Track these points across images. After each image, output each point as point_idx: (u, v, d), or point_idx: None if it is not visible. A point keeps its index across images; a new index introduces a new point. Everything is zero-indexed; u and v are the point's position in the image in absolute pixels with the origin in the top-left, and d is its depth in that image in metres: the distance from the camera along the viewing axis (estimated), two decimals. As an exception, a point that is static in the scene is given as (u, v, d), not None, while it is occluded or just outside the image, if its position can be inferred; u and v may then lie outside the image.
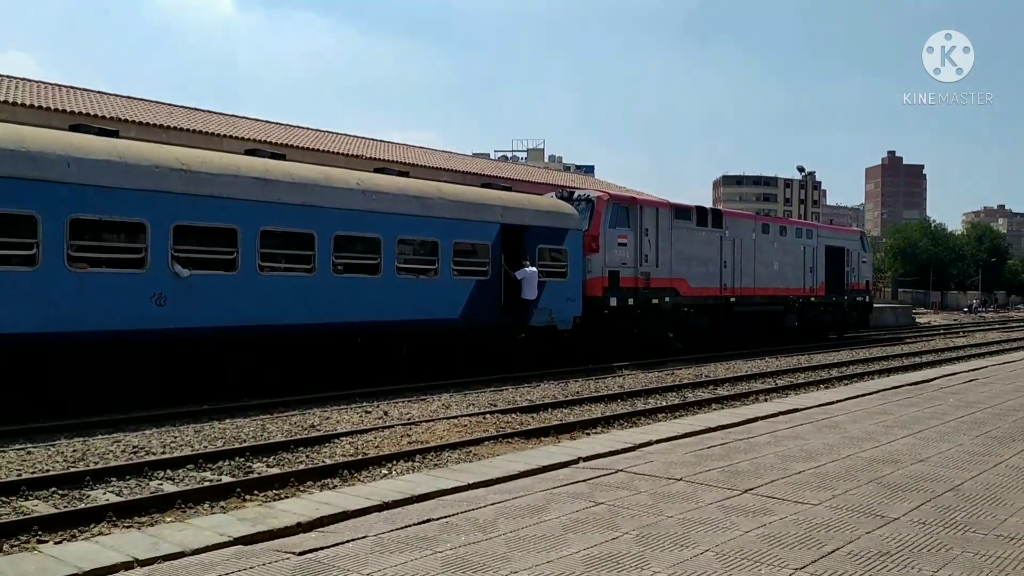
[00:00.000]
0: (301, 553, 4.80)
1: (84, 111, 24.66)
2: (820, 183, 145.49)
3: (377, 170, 18.21)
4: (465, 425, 11.60)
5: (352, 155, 31.68)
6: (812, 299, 29.94)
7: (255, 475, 8.74)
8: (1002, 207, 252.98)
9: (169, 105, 31.01)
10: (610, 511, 5.70)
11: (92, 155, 12.07)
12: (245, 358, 13.76)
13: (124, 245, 12.52)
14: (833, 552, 4.79)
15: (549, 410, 13.37)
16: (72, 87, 28.89)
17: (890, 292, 64.54)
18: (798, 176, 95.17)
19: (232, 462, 9.33)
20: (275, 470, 8.99)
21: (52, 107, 24.33)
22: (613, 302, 20.83)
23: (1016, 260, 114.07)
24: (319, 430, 11.16)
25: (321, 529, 5.37)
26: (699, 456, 7.61)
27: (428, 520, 5.45)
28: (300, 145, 30.00)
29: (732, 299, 25.55)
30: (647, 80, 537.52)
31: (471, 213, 17.61)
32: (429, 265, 16.73)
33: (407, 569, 4.51)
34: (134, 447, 9.84)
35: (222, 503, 7.78)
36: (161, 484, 8.40)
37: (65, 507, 7.46)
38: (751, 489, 6.32)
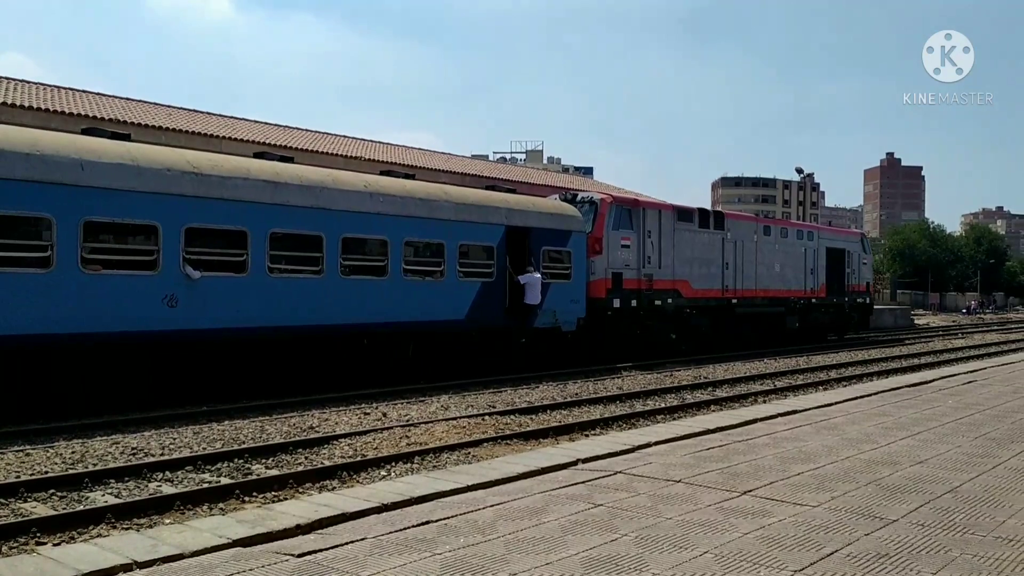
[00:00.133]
0: (300, 555, 4.80)
1: (83, 113, 24.67)
2: (819, 184, 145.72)
3: (383, 172, 18.31)
4: (464, 427, 11.59)
5: (352, 157, 31.70)
6: (813, 300, 29.98)
7: (254, 477, 8.74)
8: (1001, 209, 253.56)
9: (168, 107, 31.02)
10: (609, 513, 5.69)
11: (105, 158, 12.15)
12: (253, 359, 13.80)
13: (136, 247, 12.61)
14: (832, 554, 4.79)
15: (548, 412, 13.37)
16: (70, 88, 28.89)
17: (889, 293, 64.61)
18: (797, 177, 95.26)
19: (231, 464, 9.33)
20: (274, 472, 8.98)
21: (51, 108, 24.33)
22: (616, 304, 20.87)
23: (1015, 262, 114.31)
24: (318, 432, 11.17)
25: (320, 531, 5.35)
26: (698, 458, 7.61)
27: (427, 522, 5.45)
28: (300, 147, 30.00)
29: (734, 300, 25.59)
30: (647, 81, 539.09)
31: (476, 215, 17.68)
32: (435, 267, 16.79)
33: (406, 571, 4.51)
34: (133, 449, 9.84)
35: (221, 505, 7.77)
36: (160, 486, 8.40)
37: (64, 509, 7.45)
38: (750, 491, 6.32)
